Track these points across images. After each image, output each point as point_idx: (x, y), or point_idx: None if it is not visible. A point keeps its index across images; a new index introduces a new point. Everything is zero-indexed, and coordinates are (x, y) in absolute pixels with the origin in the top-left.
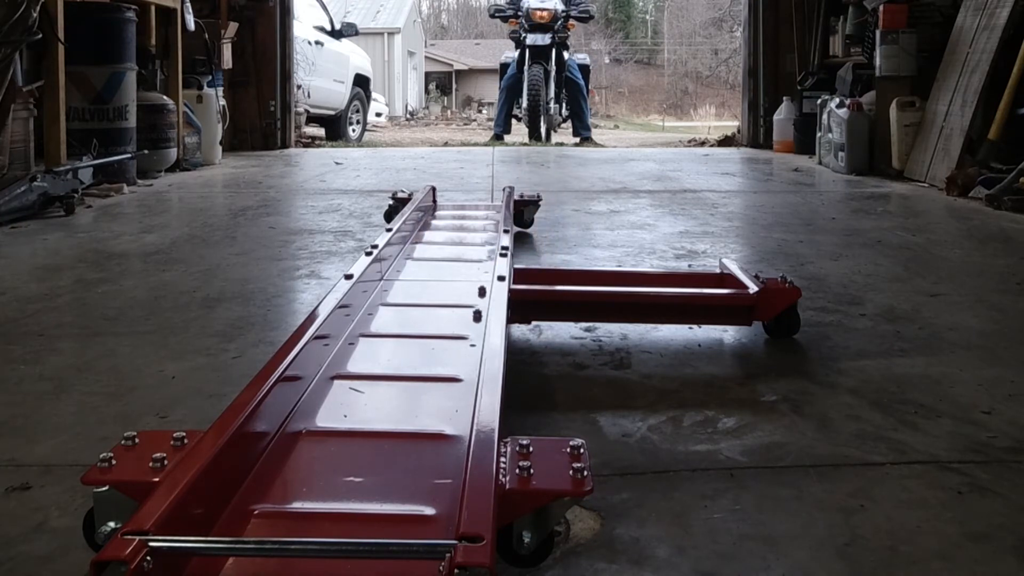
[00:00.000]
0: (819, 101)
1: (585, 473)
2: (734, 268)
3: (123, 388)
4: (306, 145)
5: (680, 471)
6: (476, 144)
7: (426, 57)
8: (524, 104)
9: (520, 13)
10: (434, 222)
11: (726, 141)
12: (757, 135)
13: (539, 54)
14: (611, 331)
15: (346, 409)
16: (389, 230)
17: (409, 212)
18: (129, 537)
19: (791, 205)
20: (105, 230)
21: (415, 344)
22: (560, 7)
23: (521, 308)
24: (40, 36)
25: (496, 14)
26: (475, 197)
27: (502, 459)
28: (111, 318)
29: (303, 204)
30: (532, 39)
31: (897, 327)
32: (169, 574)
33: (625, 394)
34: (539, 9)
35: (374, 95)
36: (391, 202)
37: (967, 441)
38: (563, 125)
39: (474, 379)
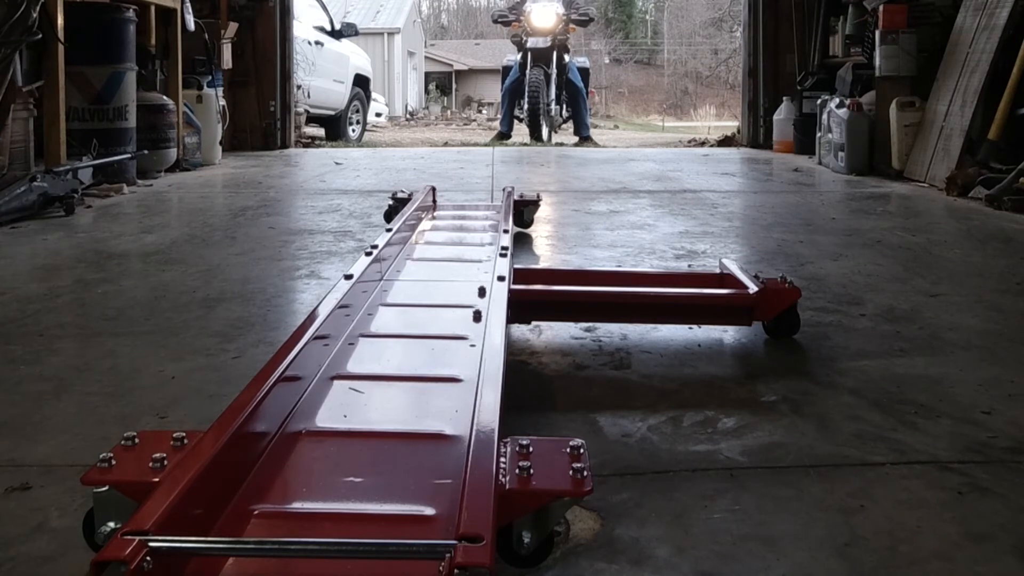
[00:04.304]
0: (819, 101)
1: (585, 473)
2: (734, 268)
3: (123, 388)
4: (306, 145)
5: (680, 471)
6: (476, 144)
7: (426, 57)
8: (524, 106)
9: (521, 17)
10: (434, 222)
11: (726, 141)
12: (757, 135)
13: (540, 57)
14: (611, 331)
15: (346, 409)
16: (389, 230)
17: (409, 212)
18: (129, 537)
19: (791, 205)
20: (105, 230)
21: (415, 344)
22: (560, 11)
23: (521, 308)
24: (40, 36)
25: (498, 19)
26: (475, 197)
27: (502, 459)
28: (111, 318)
29: (303, 204)
30: (533, 42)
31: (897, 327)
32: (169, 574)
33: (625, 394)
34: (540, 14)
35: (374, 95)
36: (391, 202)
37: (967, 441)
38: (564, 126)
39: (474, 379)
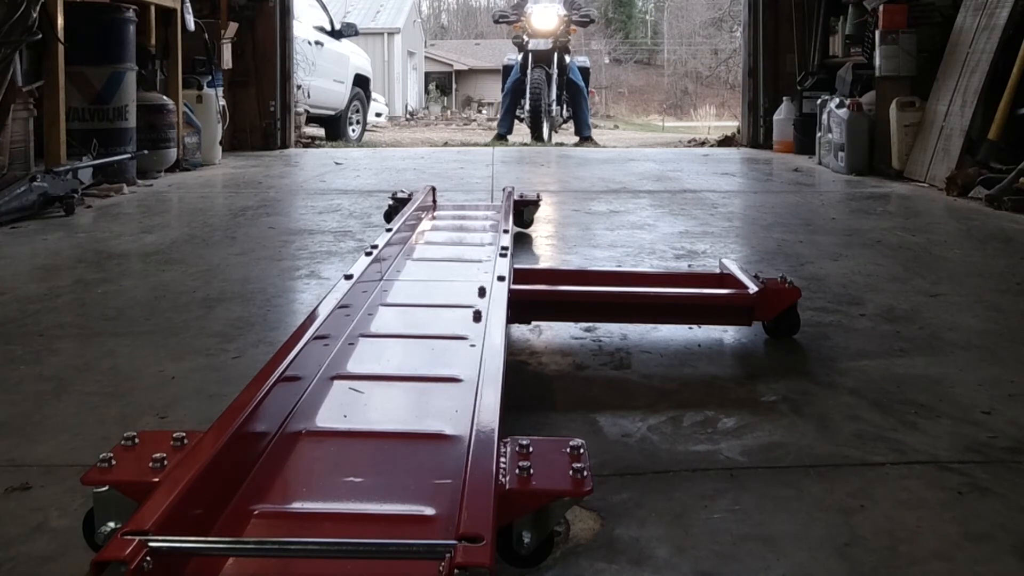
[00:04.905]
0: (819, 101)
1: (585, 473)
2: (734, 268)
3: (123, 388)
4: (306, 145)
5: (680, 471)
6: (476, 144)
7: (426, 57)
8: (526, 106)
9: (522, 18)
10: (434, 222)
11: (726, 141)
12: (757, 135)
13: (541, 58)
14: (611, 331)
15: (346, 409)
16: (389, 230)
17: (409, 212)
18: (129, 537)
19: (791, 205)
20: (105, 230)
21: (415, 344)
22: (561, 12)
23: (521, 308)
24: (40, 36)
25: (500, 19)
26: (475, 197)
27: (502, 459)
28: (111, 318)
29: (303, 204)
30: (534, 44)
31: (897, 327)
32: (169, 574)
33: (625, 394)
34: (541, 16)
35: (374, 95)
36: (391, 202)
37: (967, 441)
38: (564, 126)
39: (474, 379)
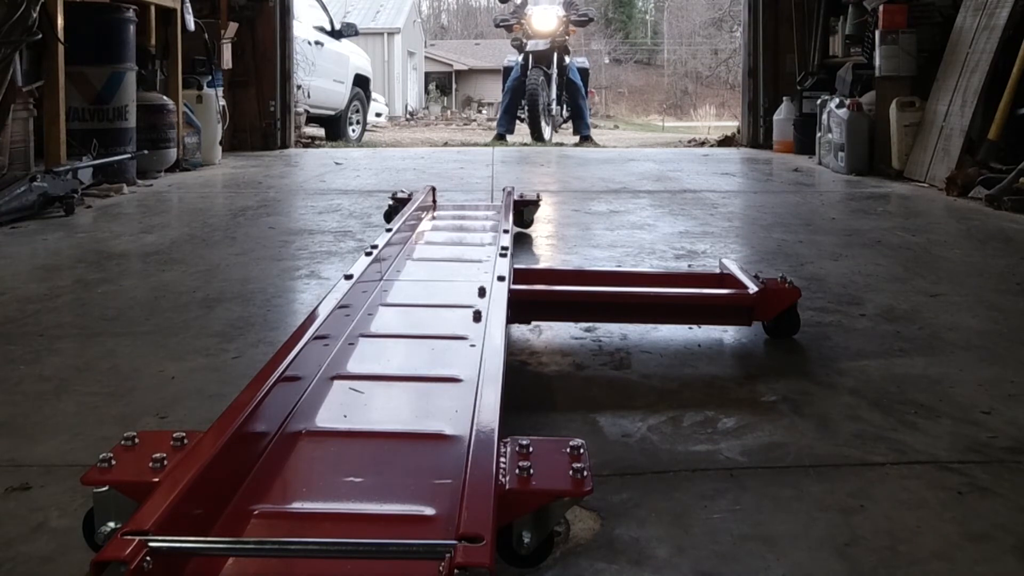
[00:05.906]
0: (819, 101)
1: (585, 473)
2: (734, 268)
3: (123, 388)
4: (306, 145)
5: (680, 471)
6: (476, 144)
7: (426, 57)
8: (526, 107)
9: (522, 20)
10: (434, 222)
11: (726, 141)
12: (757, 135)
13: (540, 59)
14: (611, 331)
15: (346, 409)
16: (389, 230)
17: (409, 212)
18: (129, 537)
19: (791, 205)
20: (105, 230)
21: (415, 344)
22: (560, 13)
23: (521, 308)
24: (40, 36)
25: (500, 23)
26: (475, 197)
27: (502, 459)
28: (111, 318)
29: (303, 204)
30: (533, 44)
31: (897, 327)
32: (169, 574)
33: (625, 394)
34: (540, 17)
35: (374, 95)
36: (391, 202)
37: (967, 441)
38: (564, 126)
39: (474, 379)
